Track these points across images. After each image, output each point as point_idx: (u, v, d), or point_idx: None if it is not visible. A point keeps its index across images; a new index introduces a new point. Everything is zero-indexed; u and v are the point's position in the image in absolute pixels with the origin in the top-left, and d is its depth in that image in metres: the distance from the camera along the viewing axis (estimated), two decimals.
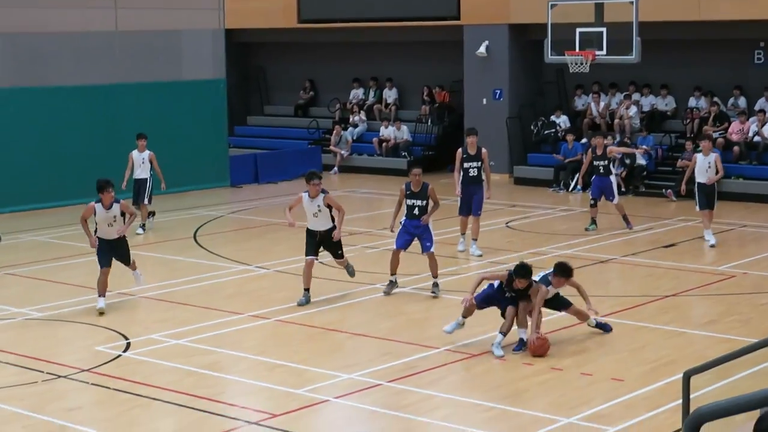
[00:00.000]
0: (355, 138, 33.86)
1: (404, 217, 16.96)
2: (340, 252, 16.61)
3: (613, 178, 22.36)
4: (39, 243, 21.70)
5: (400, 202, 17.16)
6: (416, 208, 16.80)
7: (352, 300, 16.69)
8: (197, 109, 29.05)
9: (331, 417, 11.68)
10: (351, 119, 34.61)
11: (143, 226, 22.49)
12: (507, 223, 23.60)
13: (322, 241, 16.38)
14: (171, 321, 15.33)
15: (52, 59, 26.90)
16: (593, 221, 22.36)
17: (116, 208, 15.98)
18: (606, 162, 22.26)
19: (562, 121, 30.35)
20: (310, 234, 16.34)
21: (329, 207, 16.22)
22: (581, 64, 24.36)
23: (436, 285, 16.82)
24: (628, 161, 27.62)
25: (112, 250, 16.13)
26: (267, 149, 33.37)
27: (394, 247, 16.89)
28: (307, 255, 16.31)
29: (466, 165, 19.71)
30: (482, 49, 30.90)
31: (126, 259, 16.44)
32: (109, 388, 12.54)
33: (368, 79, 35.39)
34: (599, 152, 22.29)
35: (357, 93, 35.54)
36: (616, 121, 29.71)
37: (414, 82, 34.40)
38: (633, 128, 29.38)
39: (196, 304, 16.30)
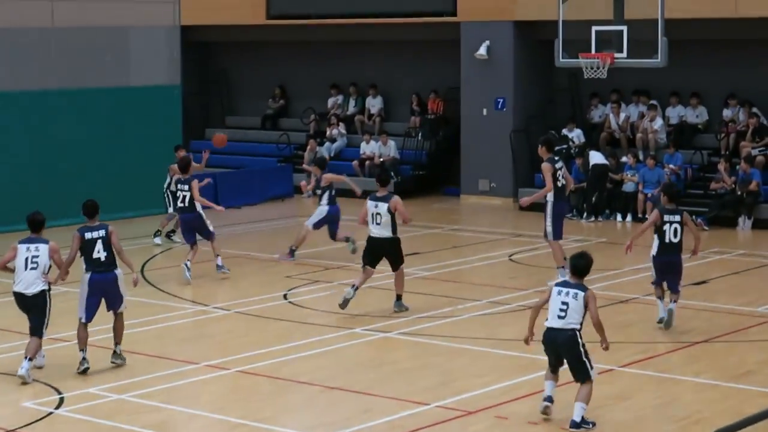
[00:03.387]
0: (333, 155, 33.78)
1: None
2: None
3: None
4: None
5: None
6: None
7: (327, 347, 16.60)
8: (147, 120, 28.96)
9: None
10: (328, 132, 34.57)
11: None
12: (510, 256, 23.55)
13: None
14: (113, 372, 15.20)
15: None
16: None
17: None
18: None
19: (576, 135, 30.34)
20: None
21: None
22: (598, 68, 24.35)
23: None
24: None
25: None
26: (229, 168, 33.30)
27: None
28: None
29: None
30: (482, 51, 30.93)
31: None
32: None
33: (348, 86, 35.39)
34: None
35: (335, 101, 35.53)
36: (639, 135, 29.74)
37: (402, 90, 34.37)
38: (658, 144, 29.40)
39: (142, 351, 16.14)
